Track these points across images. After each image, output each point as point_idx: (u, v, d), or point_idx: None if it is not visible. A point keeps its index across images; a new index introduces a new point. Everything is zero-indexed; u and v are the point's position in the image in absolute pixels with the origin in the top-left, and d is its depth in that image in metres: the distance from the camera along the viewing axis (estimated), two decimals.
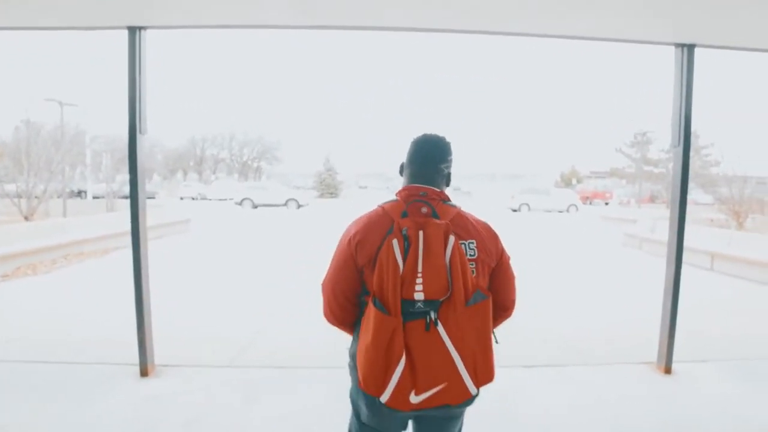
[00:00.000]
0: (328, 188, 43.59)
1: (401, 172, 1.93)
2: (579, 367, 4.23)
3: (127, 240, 3.89)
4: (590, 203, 38.68)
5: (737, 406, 3.54)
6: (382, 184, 46.91)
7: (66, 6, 3.30)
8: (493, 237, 1.83)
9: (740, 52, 4.06)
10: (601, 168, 51.47)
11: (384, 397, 1.63)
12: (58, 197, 17.81)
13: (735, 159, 25.05)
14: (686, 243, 4.08)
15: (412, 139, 1.93)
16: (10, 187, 15.44)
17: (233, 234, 15.79)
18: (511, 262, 1.91)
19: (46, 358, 4.25)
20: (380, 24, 3.62)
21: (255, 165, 58.86)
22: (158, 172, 51.82)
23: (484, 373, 1.68)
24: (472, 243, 1.74)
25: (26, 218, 14.24)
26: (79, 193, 30.16)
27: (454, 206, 1.80)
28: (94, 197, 27.47)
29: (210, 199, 37.04)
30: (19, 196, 14.94)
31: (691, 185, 4.56)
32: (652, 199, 36.65)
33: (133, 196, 3.76)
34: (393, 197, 1.85)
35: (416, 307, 1.61)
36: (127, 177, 3.73)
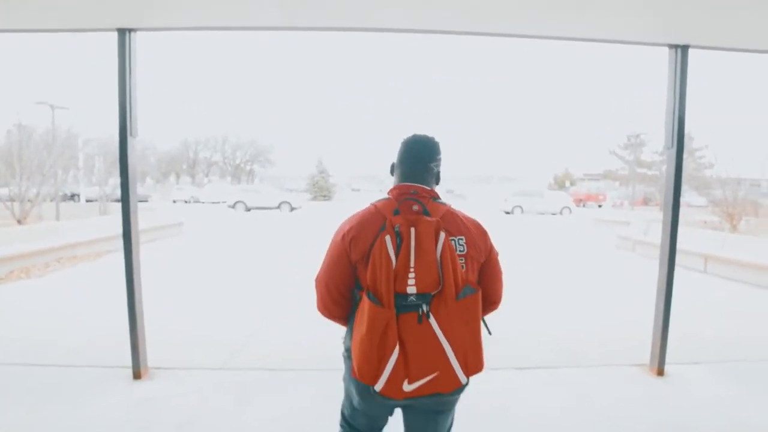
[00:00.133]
0: (321, 191, 43.61)
1: (392, 172, 2.00)
2: (571, 369, 4.22)
3: (121, 243, 3.87)
4: (583, 206, 38.76)
5: (730, 408, 3.55)
6: (375, 187, 46.94)
7: (54, 8, 3.26)
8: (482, 234, 1.90)
9: (734, 54, 4.06)
10: (595, 170, 51.71)
11: (378, 386, 1.70)
12: (51, 200, 17.78)
13: (729, 161, 25.13)
14: (679, 245, 4.09)
15: (402, 140, 2.00)
16: (3, 191, 15.34)
17: (226, 237, 15.73)
18: (501, 259, 1.98)
19: (39, 361, 4.22)
20: (378, 25, 3.60)
21: (248, 168, 58.85)
22: (151, 175, 51.67)
23: (473, 363, 1.76)
24: (462, 239, 1.82)
25: (19, 222, 14.15)
26: (72, 197, 30.08)
27: (444, 204, 1.87)
28: (87, 200, 27.43)
29: (203, 203, 36.92)
30: (12, 200, 14.84)
31: (684, 187, 4.58)
32: (646, 202, 36.82)
33: (125, 199, 3.74)
34: (385, 195, 1.91)
35: (409, 300, 1.69)
36: (119, 180, 3.71)
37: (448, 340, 1.69)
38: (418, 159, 1.93)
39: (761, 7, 3.08)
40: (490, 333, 1.89)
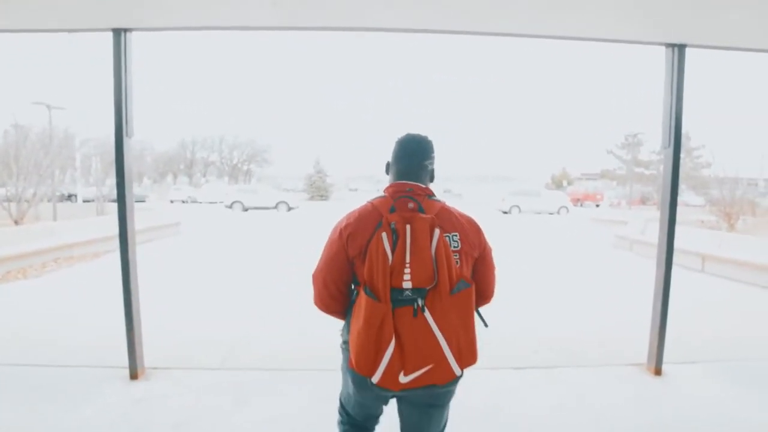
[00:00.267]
0: (318, 191, 43.67)
1: (387, 171, 2.04)
2: (569, 368, 4.22)
3: (118, 243, 3.86)
4: (581, 205, 38.79)
5: (727, 407, 3.55)
6: (373, 187, 47.03)
7: (49, 8, 3.25)
8: (476, 230, 1.95)
9: (731, 53, 4.06)
10: (592, 170, 51.90)
11: (375, 378, 1.74)
12: (48, 201, 17.72)
13: (726, 160, 25.22)
14: (677, 245, 4.09)
15: (396, 139, 2.04)
16: (0, 191, 15.32)
17: (223, 237, 15.70)
18: (498, 258, 2.04)
19: (36, 361, 4.21)
20: (378, 25, 3.58)
21: (245, 168, 58.83)
22: (148, 175, 51.64)
23: (467, 355, 1.81)
24: (456, 235, 1.86)
25: (16, 222, 14.11)
26: (70, 197, 30.00)
27: (438, 201, 1.92)
28: (85, 201, 27.37)
29: (200, 203, 36.91)
30: (9, 200, 14.80)
31: (682, 187, 4.58)
32: (643, 201, 36.90)
33: (121, 199, 3.73)
34: (381, 193, 1.95)
35: (404, 295, 1.73)
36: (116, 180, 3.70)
37: (442, 333, 1.74)
38: (413, 157, 1.97)
39: (758, 6, 3.08)
40: (486, 325, 1.95)
